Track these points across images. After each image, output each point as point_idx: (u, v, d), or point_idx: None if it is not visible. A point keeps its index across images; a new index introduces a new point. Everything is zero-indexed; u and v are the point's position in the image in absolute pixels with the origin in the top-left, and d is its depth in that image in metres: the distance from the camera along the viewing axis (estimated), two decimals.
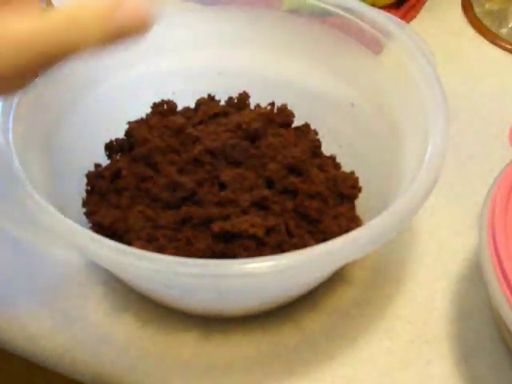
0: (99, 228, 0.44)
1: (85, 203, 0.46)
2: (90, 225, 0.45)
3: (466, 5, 0.66)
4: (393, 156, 0.45)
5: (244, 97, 0.52)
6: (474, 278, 0.46)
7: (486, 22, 0.64)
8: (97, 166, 0.48)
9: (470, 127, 0.56)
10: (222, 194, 0.43)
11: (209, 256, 0.41)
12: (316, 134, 0.50)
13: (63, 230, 0.36)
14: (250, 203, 0.43)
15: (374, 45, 0.47)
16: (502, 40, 0.63)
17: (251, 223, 0.41)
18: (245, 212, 0.43)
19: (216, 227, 0.41)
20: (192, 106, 0.52)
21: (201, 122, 0.50)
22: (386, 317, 0.44)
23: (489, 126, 0.56)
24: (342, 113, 0.51)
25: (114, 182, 0.46)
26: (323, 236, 0.43)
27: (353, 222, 0.45)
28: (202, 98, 0.52)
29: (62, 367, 0.44)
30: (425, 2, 0.66)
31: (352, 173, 0.48)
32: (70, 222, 0.36)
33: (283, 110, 0.50)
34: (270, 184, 0.44)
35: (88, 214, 0.45)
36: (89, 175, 0.47)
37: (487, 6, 0.65)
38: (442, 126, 0.40)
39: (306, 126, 0.51)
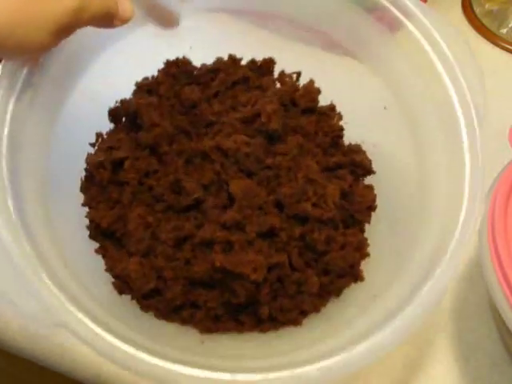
0: (96, 226, 0.43)
1: (82, 190, 0.44)
2: (87, 218, 0.43)
3: (465, 5, 0.66)
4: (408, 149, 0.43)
5: (269, 63, 0.48)
6: (473, 278, 0.46)
7: (486, 22, 0.64)
8: (98, 135, 0.46)
9: None
10: (229, 213, 0.40)
11: (206, 280, 0.40)
12: (340, 118, 0.48)
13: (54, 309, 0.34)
14: (257, 234, 0.40)
15: (389, 23, 0.44)
16: (502, 40, 0.63)
17: (254, 266, 0.38)
18: (250, 242, 0.40)
19: (217, 261, 0.39)
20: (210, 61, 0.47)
21: (217, 94, 0.46)
22: None
23: (489, 126, 0.56)
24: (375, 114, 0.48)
25: (116, 173, 0.43)
26: (326, 268, 0.41)
27: (359, 251, 0.43)
28: (222, 62, 0.48)
29: (61, 367, 0.44)
30: (425, 2, 0.66)
31: (370, 188, 0.45)
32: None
33: (309, 89, 0.47)
34: (280, 204, 0.42)
35: (86, 206, 0.44)
36: (89, 161, 0.44)
37: (487, 6, 0.65)
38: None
39: (331, 108, 0.48)
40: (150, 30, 0.45)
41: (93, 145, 0.46)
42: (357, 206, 0.44)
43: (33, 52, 0.37)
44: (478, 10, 0.65)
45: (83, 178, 0.45)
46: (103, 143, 0.45)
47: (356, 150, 0.46)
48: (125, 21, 0.38)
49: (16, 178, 0.38)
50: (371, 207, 0.45)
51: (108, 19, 0.37)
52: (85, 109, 0.45)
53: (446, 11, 0.66)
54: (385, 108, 0.47)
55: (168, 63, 0.47)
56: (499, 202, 0.40)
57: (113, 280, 0.42)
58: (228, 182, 0.42)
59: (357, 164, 0.45)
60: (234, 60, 0.48)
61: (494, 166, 0.43)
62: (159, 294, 0.41)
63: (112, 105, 0.47)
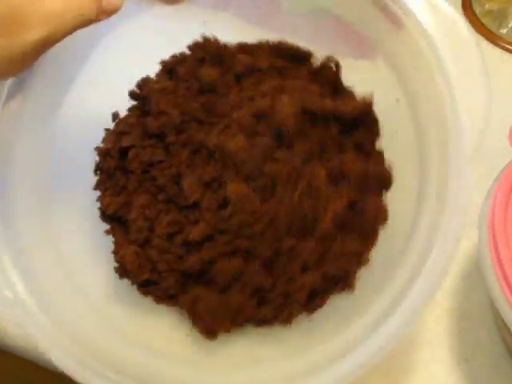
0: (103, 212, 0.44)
1: (95, 173, 0.45)
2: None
3: (465, 5, 0.66)
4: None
5: (306, 54, 0.46)
6: (473, 277, 0.46)
7: (486, 22, 0.64)
8: (115, 116, 0.45)
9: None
10: (223, 214, 0.40)
11: (196, 274, 0.41)
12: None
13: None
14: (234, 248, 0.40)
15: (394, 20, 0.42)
16: (502, 40, 0.63)
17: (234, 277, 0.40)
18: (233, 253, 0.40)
19: (196, 265, 0.40)
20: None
21: (240, 78, 0.44)
22: None
23: (489, 125, 0.56)
24: None
25: (124, 159, 0.44)
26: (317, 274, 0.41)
27: (357, 258, 0.41)
28: (261, 45, 0.46)
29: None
30: None
31: (381, 203, 0.43)
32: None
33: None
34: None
35: (96, 189, 0.44)
36: (98, 149, 0.45)
37: (487, 6, 0.65)
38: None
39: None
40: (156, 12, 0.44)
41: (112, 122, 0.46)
42: (364, 227, 0.42)
43: (8, 78, 0.37)
44: (477, 10, 0.65)
45: (97, 161, 0.45)
46: (117, 126, 0.45)
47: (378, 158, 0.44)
48: (111, 13, 0.36)
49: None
50: (379, 220, 0.43)
51: (88, 22, 0.35)
52: (94, 92, 0.46)
53: None
54: (397, 101, 0.44)
55: (195, 45, 0.46)
56: (499, 202, 0.40)
57: (115, 265, 0.43)
58: (227, 184, 0.41)
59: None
60: (274, 48, 0.46)
61: (494, 165, 0.43)
62: (155, 283, 0.42)
63: (119, 88, 0.46)
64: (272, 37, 0.47)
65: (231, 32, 0.48)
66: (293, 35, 0.48)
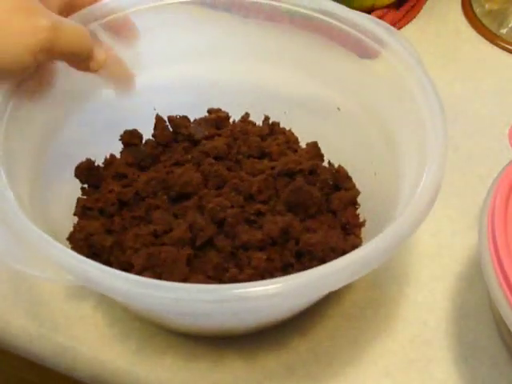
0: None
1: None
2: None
3: (465, 5, 0.66)
4: (389, 168, 0.43)
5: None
6: (473, 277, 0.46)
7: (486, 21, 0.64)
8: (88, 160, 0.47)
9: (469, 127, 0.56)
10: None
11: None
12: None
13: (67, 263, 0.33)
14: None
15: (363, 50, 0.45)
16: (502, 40, 0.63)
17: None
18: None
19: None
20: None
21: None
22: (387, 317, 0.44)
23: (489, 126, 0.56)
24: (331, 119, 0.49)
25: (104, 216, 0.45)
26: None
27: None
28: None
29: (61, 367, 0.44)
30: (425, 2, 0.66)
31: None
32: (72, 252, 0.34)
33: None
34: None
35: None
36: (79, 200, 0.46)
37: (487, 6, 0.65)
38: (440, 146, 0.38)
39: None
40: None
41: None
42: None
43: (15, 71, 0.38)
44: (477, 10, 0.65)
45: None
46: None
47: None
48: (99, 64, 0.41)
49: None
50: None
51: (81, 56, 0.39)
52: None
53: (445, 11, 0.66)
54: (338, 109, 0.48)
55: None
56: (499, 202, 0.40)
57: None
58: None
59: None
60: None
61: (494, 166, 0.43)
62: None
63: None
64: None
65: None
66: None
